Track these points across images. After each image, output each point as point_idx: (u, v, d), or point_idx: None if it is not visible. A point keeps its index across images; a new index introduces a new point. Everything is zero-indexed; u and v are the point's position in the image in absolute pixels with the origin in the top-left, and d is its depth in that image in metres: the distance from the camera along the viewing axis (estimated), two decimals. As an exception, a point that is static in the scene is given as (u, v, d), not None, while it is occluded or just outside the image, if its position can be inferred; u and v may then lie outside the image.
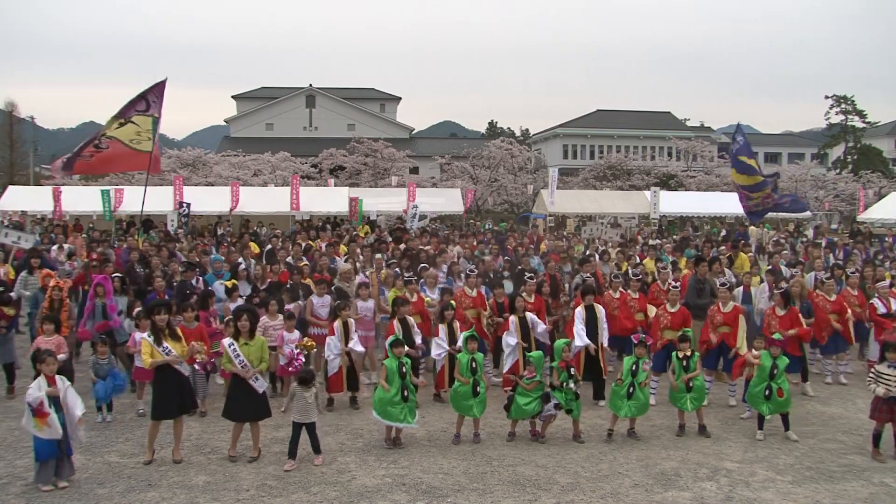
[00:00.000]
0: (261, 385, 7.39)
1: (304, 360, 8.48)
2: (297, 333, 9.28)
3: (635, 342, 8.29)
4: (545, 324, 9.57)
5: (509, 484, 6.85)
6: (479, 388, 7.89)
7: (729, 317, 9.53)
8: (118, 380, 8.57)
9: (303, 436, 7.90)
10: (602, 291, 10.71)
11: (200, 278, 11.31)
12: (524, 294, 9.89)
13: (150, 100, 15.70)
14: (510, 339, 9.16)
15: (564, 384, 7.86)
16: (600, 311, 9.61)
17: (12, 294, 10.46)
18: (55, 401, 6.60)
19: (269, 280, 11.28)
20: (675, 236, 22.69)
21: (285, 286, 10.79)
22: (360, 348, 9.21)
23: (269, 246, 16.09)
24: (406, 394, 7.61)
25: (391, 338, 8.14)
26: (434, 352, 9.23)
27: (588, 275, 11.48)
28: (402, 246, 15.56)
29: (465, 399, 7.91)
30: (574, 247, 18.03)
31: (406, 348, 8.07)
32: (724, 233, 25.56)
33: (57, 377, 6.75)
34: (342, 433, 8.21)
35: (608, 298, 10.38)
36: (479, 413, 7.96)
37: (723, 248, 16.75)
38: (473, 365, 7.97)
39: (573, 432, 8.16)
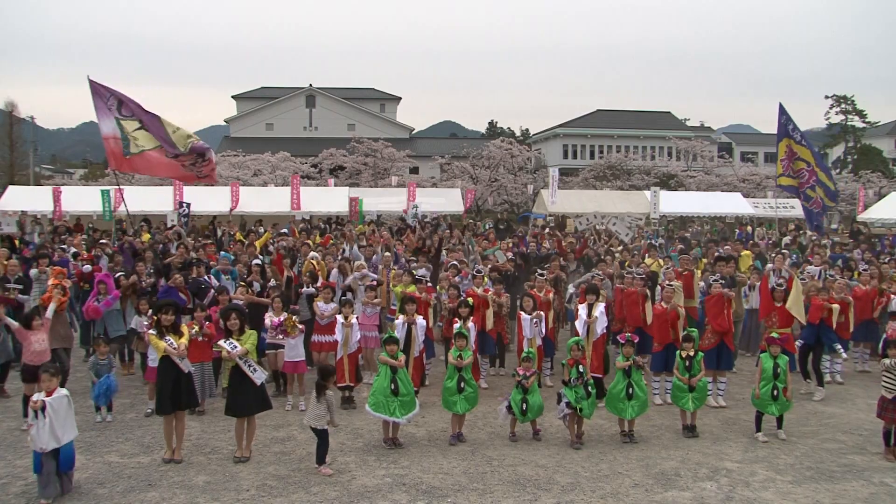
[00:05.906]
0: (259, 376, 7.37)
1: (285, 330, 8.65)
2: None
3: (622, 342, 8.28)
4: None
5: (509, 484, 6.85)
6: (463, 384, 7.90)
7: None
8: (110, 384, 8.56)
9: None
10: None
11: (211, 275, 11.42)
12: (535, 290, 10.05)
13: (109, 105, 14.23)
14: (527, 331, 9.50)
15: (573, 381, 7.84)
16: (599, 308, 9.59)
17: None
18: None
19: (283, 278, 11.30)
20: (675, 236, 22.67)
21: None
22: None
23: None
24: (395, 387, 7.61)
25: (385, 335, 8.17)
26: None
27: (601, 274, 11.53)
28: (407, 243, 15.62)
29: (450, 395, 7.93)
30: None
31: (396, 346, 7.93)
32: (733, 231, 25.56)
33: (59, 391, 6.52)
34: (342, 433, 8.20)
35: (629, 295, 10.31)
36: (462, 409, 7.94)
37: (727, 246, 16.73)
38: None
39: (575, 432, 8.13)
